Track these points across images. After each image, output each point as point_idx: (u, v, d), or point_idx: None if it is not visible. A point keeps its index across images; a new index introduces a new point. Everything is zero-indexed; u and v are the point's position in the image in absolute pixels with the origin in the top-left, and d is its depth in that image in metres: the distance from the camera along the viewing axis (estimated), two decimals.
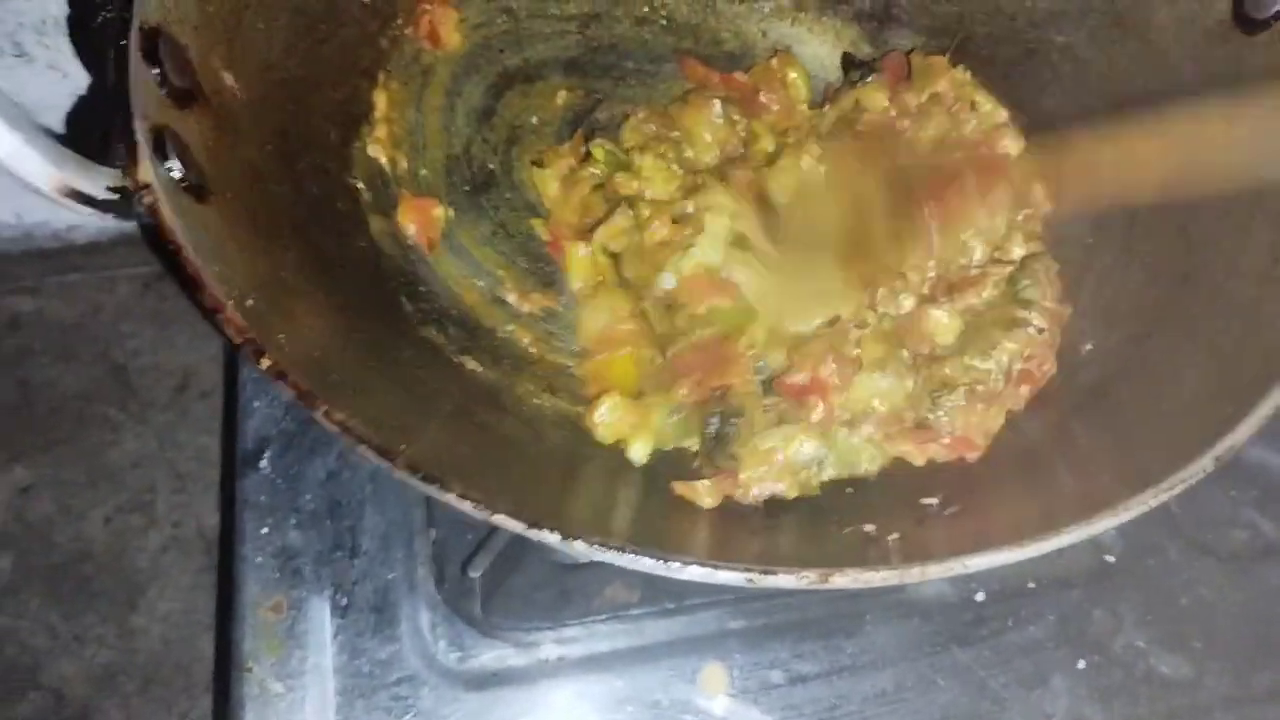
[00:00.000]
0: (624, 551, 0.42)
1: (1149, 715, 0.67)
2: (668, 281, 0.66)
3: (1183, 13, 0.63)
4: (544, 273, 0.72)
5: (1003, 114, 0.71)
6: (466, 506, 0.43)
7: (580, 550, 0.42)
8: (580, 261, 0.70)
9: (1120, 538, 0.72)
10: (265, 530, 0.70)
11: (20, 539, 1.12)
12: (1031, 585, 0.70)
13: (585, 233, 0.70)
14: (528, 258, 0.72)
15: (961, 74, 0.73)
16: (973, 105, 0.71)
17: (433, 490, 0.43)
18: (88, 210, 0.50)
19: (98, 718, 1.04)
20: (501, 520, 0.43)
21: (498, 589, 0.68)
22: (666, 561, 0.42)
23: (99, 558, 1.12)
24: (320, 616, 0.67)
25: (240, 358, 0.75)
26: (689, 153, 0.72)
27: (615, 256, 0.69)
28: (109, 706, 1.05)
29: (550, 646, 0.67)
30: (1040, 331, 0.62)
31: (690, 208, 0.66)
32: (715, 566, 0.42)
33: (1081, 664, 0.68)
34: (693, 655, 0.67)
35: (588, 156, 0.73)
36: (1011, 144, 0.70)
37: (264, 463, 0.72)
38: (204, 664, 1.06)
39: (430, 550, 0.70)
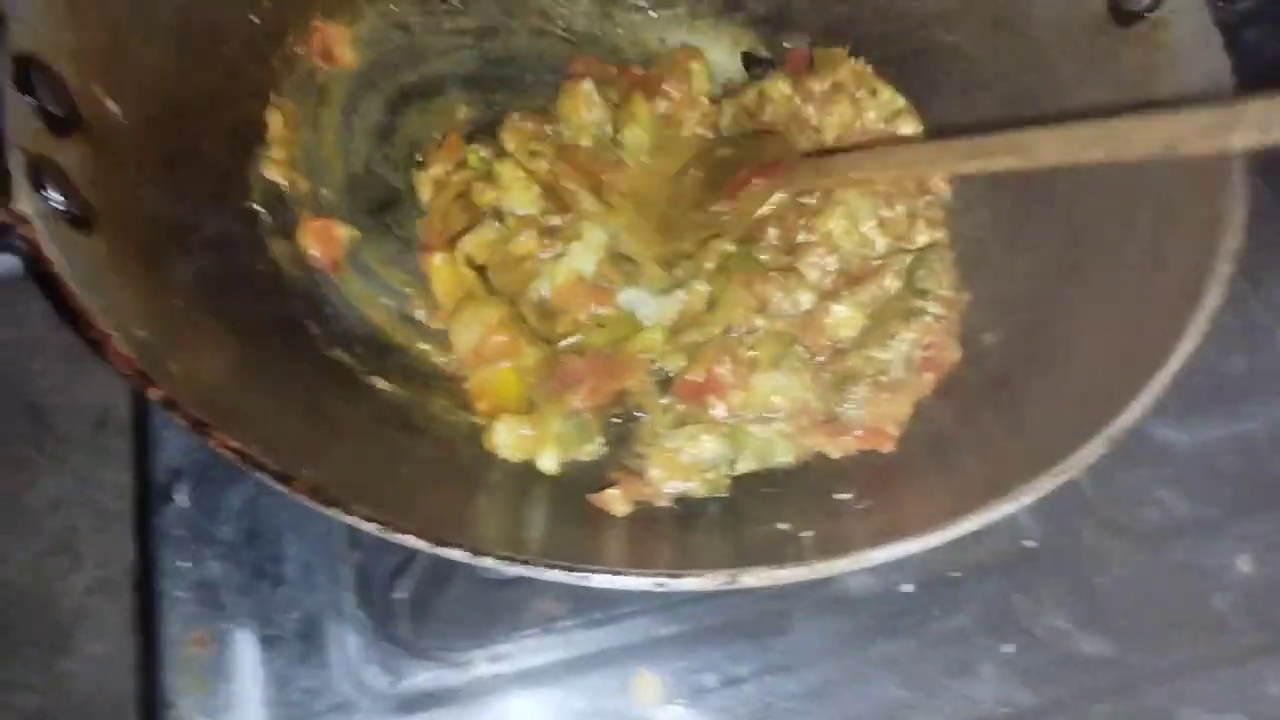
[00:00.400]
0: (532, 564, 0.42)
1: (1075, 694, 0.68)
2: (543, 289, 0.66)
3: (1060, 8, 0.65)
4: None
5: (900, 101, 0.73)
6: (372, 528, 0.43)
7: (490, 565, 0.42)
8: (440, 271, 0.69)
9: (1038, 523, 0.73)
10: (183, 563, 0.69)
11: None
12: (956, 574, 0.71)
13: (450, 241, 0.69)
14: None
15: (860, 65, 0.74)
16: (873, 93, 0.73)
17: (335, 513, 0.43)
18: None
19: None
20: (409, 540, 0.43)
21: (426, 609, 0.67)
22: (574, 571, 0.42)
23: (22, 602, 1.09)
24: (245, 648, 0.66)
25: None
26: (569, 133, 0.72)
27: (481, 268, 0.68)
28: None
29: (482, 664, 0.67)
30: (938, 319, 0.63)
31: (558, 220, 0.66)
32: (623, 573, 0.42)
33: (1007, 649, 0.69)
34: (625, 664, 0.67)
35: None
36: (909, 128, 0.72)
37: (178, 495, 0.71)
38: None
39: (355, 575, 0.69)
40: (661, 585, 0.42)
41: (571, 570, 0.42)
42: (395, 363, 0.66)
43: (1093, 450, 0.46)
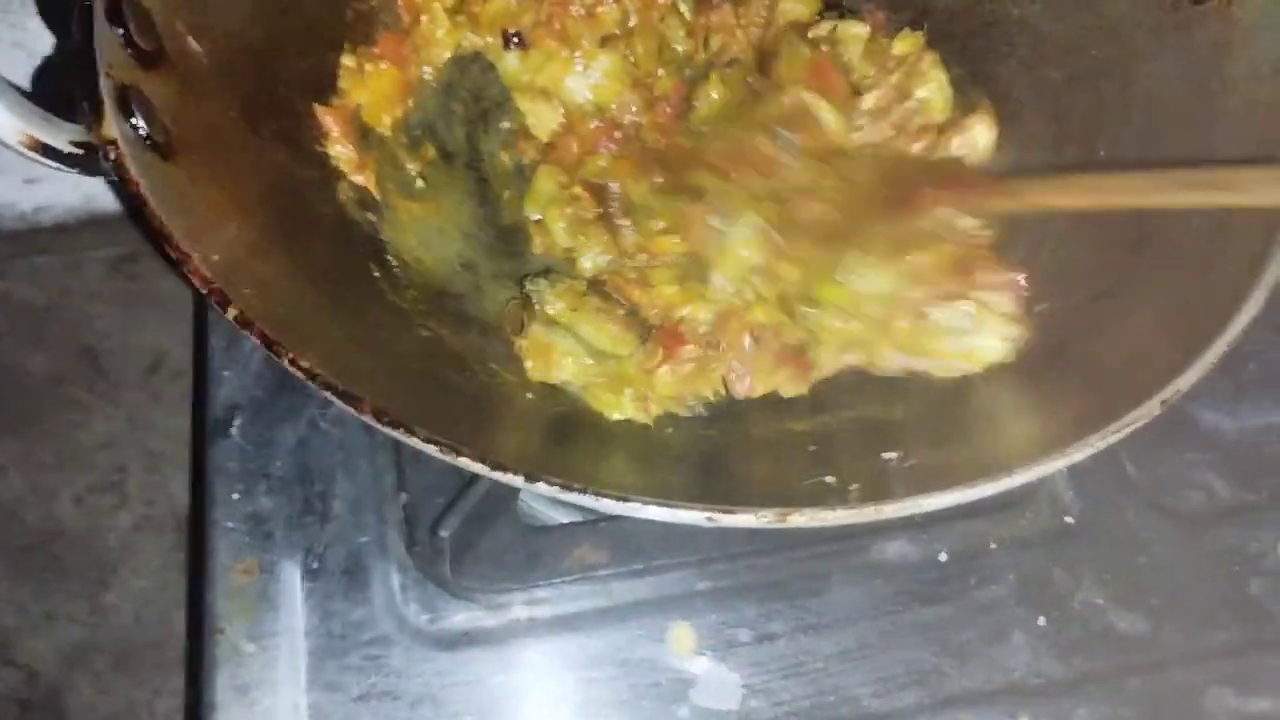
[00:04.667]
0: (586, 492, 0.43)
1: (1107, 669, 0.68)
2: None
3: None
4: (513, 241, 0.72)
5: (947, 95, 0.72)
6: (432, 450, 0.44)
7: (544, 491, 0.43)
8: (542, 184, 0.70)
9: (1079, 499, 0.73)
10: (236, 496, 0.71)
11: None
12: (993, 546, 0.72)
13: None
14: (496, 229, 0.72)
15: (934, 60, 0.73)
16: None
17: (398, 434, 0.44)
18: (52, 164, 0.50)
19: (70, 694, 1.04)
20: (465, 463, 0.44)
21: (468, 551, 0.69)
22: (627, 501, 0.43)
23: (69, 537, 1.12)
24: (291, 579, 0.68)
25: (208, 321, 0.76)
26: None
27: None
28: (81, 683, 1.04)
29: (520, 608, 0.68)
30: None
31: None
32: (675, 506, 0.43)
33: (1042, 621, 0.69)
34: (661, 615, 0.68)
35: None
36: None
37: (234, 430, 0.73)
38: (177, 640, 1.06)
39: (401, 515, 0.70)
40: (712, 520, 0.43)
41: (624, 500, 0.43)
42: (451, 310, 0.67)
43: (1145, 412, 0.47)
